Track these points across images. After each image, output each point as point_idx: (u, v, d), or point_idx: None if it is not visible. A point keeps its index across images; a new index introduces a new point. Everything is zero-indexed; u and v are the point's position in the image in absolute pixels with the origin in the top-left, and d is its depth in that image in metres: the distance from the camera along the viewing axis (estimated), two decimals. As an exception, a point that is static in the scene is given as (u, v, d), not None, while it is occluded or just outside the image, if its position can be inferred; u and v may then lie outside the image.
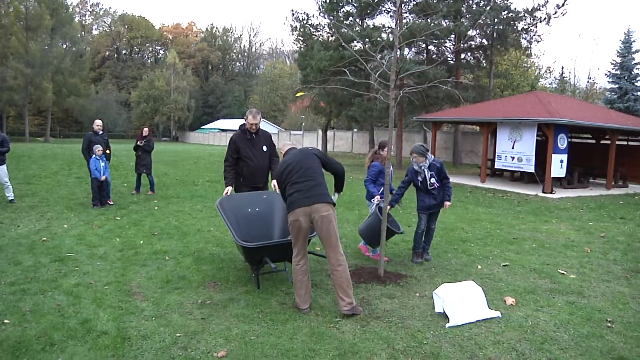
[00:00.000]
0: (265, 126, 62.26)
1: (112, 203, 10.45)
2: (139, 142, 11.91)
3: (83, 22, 76.49)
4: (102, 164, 10.10)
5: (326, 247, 4.65)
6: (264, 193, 6.09)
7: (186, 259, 6.41)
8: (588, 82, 45.01)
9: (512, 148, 16.36)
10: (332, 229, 4.58)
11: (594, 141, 20.82)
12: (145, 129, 12.22)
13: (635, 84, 29.23)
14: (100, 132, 10.73)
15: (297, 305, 4.70)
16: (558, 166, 15.42)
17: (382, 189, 6.43)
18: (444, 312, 4.59)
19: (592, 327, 4.46)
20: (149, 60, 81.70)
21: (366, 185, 6.65)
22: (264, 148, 6.26)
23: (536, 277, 6.01)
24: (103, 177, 10.05)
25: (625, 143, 20.42)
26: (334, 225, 4.60)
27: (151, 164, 12.21)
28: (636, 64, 29.31)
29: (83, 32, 70.22)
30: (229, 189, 6.09)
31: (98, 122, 10.90)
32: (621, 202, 13.68)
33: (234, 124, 65.64)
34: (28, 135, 50.30)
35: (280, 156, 5.62)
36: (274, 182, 5.80)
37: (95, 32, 79.43)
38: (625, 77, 29.21)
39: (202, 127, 71.76)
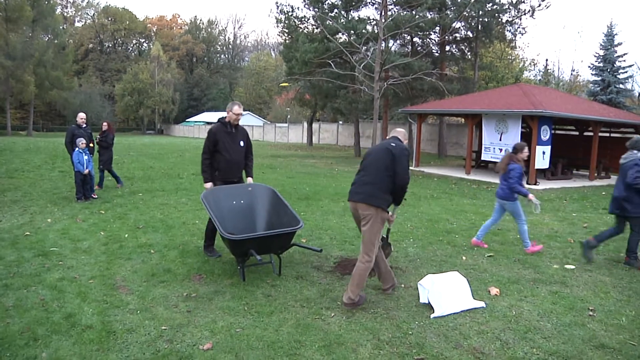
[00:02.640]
0: (251, 119, 62.12)
1: (96, 197, 10.35)
2: (98, 138, 11.66)
3: (65, 14, 75.26)
4: (86, 157, 9.99)
5: (361, 243, 4.69)
6: (249, 185, 6.07)
7: (171, 252, 6.38)
8: (572, 74, 45.54)
9: (500, 140, 16.47)
10: (367, 231, 4.57)
11: (577, 133, 21.07)
12: (105, 124, 11.96)
13: (618, 76, 29.54)
14: (84, 126, 10.60)
15: (354, 302, 4.53)
16: (541, 157, 15.57)
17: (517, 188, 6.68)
18: (429, 302, 4.62)
19: (574, 316, 4.54)
20: (133, 53, 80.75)
21: (514, 188, 6.67)
22: (241, 143, 6.15)
23: (520, 267, 6.08)
24: (86, 171, 9.94)
25: (607, 135, 20.70)
26: (370, 228, 4.55)
27: (110, 160, 11.86)
28: (618, 56, 29.61)
29: (65, 24, 69.11)
30: (210, 184, 5.93)
31: (81, 115, 10.77)
32: (604, 193, 13.86)
33: (219, 116, 65.25)
34: (10, 129, 49.53)
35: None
36: (250, 179, 6.23)
37: (78, 24, 78.27)
38: (608, 70, 29.51)
39: (187, 120, 71.28)
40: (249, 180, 6.23)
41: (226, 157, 5.98)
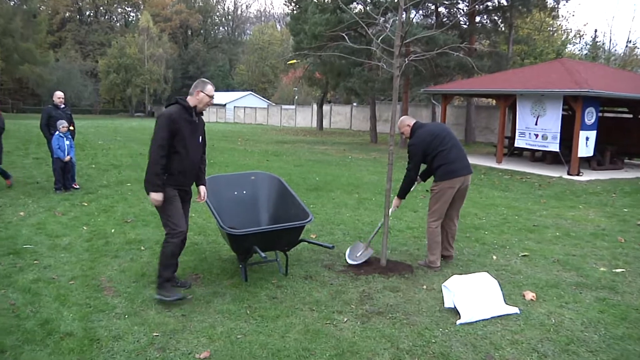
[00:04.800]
0: (254, 100, 62.21)
1: (78, 187, 10.40)
2: None
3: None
4: (67, 142, 10.01)
5: (455, 211, 6.16)
6: (252, 174, 6.07)
7: (163, 249, 6.40)
8: (627, 47, 44.64)
9: (536, 124, 16.33)
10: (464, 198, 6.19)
11: (631, 115, 20.60)
12: None
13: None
14: (62, 106, 10.54)
15: (432, 264, 5.86)
16: (584, 144, 15.42)
17: None
18: (455, 307, 4.61)
19: (627, 328, 4.44)
20: (118, 24, 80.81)
21: None
22: (200, 139, 5.02)
23: (560, 269, 6.03)
24: (67, 158, 9.97)
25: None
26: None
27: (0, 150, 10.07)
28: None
29: (35, -12, 68.43)
30: (161, 196, 4.70)
31: (59, 94, 10.65)
32: (658, 185, 13.71)
33: (219, 97, 65.42)
34: (-30, 110, 48.97)
35: (403, 130, 6.08)
36: (202, 188, 5.15)
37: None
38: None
39: (181, 101, 71.36)
40: (201, 190, 5.15)
41: (183, 155, 4.80)
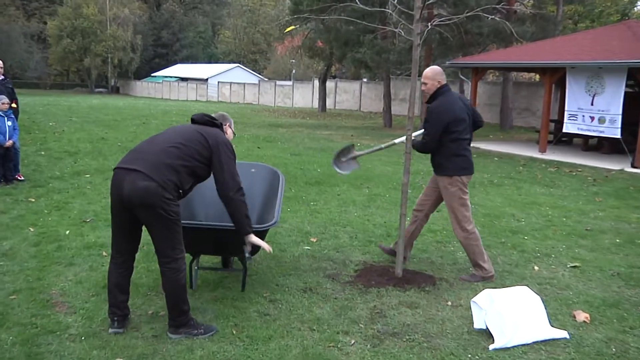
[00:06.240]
0: (242, 74, 62.19)
1: (22, 179, 10.37)
2: None
3: None
4: (8, 123, 9.94)
5: (434, 207, 6.34)
6: (252, 166, 6.11)
7: (130, 255, 6.40)
8: None
9: (592, 104, 16.20)
10: None
11: None
12: None
13: None
14: (1, 78, 10.46)
15: (486, 274, 5.91)
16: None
17: None
18: (487, 328, 4.60)
19: None
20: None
21: None
22: None
23: (621, 284, 6.00)
24: (9, 143, 9.90)
25: None
26: None
27: None
28: None
29: None
30: None
31: None
32: None
33: (199, 71, 65.38)
34: None
35: (429, 84, 5.97)
36: None
37: None
38: None
39: (152, 75, 71.58)
40: None
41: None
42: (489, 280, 5.81)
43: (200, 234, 5.11)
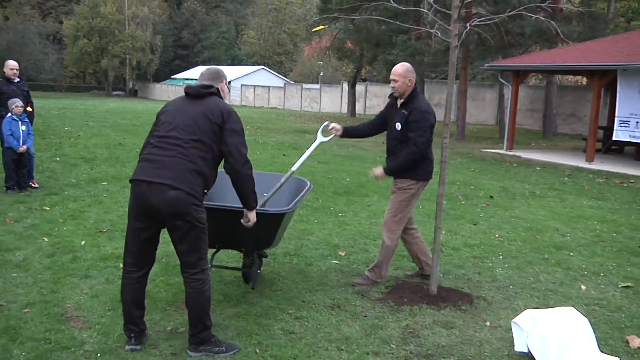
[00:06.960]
0: (267, 76, 62.38)
1: (36, 186, 10.47)
2: None
3: None
4: (23, 127, 10.03)
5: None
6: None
7: (148, 267, 6.44)
8: None
9: None
10: None
11: None
12: None
13: None
14: (16, 80, 10.49)
15: (380, 279, 6.17)
16: None
17: None
18: (529, 351, 4.56)
19: None
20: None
21: None
22: None
23: (680, 307, 5.92)
24: (23, 148, 9.98)
25: None
26: None
27: None
28: None
29: None
30: None
31: (12, 63, 10.60)
32: None
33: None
34: None
35: (399, 82, 5.90)
36: None
37: None
38: None
39: (172, 77, 72.02)
40: None
41: None
42: (378, 284, 6.10)
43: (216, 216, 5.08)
